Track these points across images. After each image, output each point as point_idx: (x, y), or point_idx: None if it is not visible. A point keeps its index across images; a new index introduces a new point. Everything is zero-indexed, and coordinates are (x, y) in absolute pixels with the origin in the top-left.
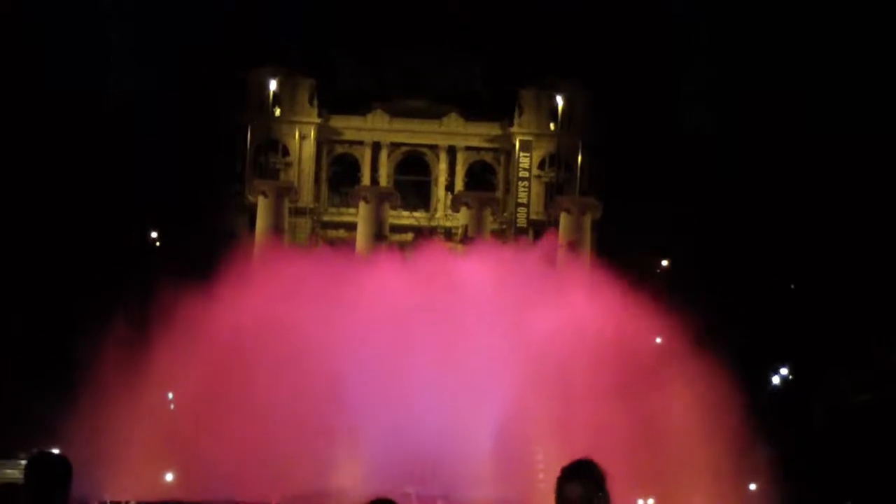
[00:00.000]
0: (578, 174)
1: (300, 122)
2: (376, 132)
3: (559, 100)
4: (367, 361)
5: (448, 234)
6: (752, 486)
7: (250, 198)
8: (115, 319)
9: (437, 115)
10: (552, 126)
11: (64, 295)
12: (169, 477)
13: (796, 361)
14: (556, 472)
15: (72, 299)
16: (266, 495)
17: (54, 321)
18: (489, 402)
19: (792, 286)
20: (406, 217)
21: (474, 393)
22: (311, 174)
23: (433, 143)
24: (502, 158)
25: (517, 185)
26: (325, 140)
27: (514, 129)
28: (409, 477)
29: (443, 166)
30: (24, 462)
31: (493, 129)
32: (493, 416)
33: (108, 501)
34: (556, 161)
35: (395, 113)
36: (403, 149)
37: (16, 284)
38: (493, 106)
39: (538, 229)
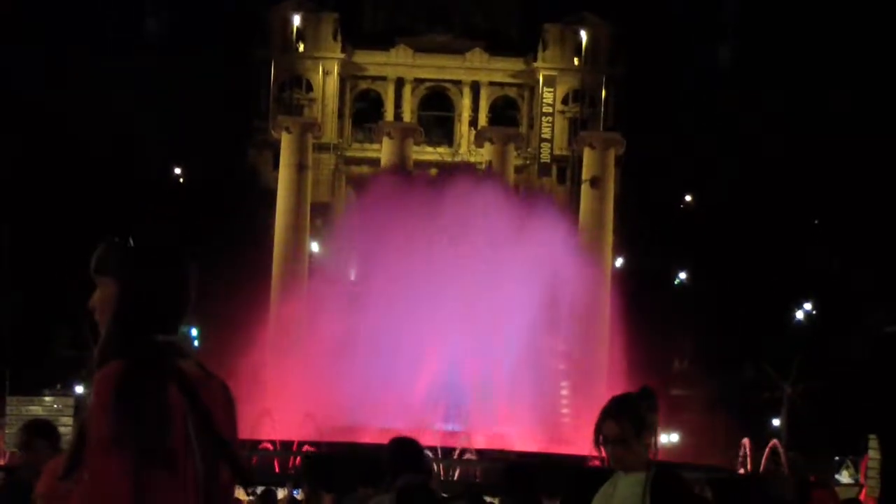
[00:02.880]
0: (602, 109)
1: (324, 58)
2: (400, 67)
3: (583, 35)
4: (399, 296)
5: (471, 169)
6: (776, 422)
7: (274, 134)
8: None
9: (460, 51)
10: (576, 61)
11: (89, 232)
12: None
13: (823, 295)
14: (580, 407)
15: (96, 236)
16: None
17: (82, 257)
18: (512, 338)
19: (816, 221)
20: (430, 152)
21: (497, 330)
22: (335, 110)
23: (457, 78)
24: (526, 94)
25: (541, 121)
26: (349, 76)
27: (538, 63)
28: (437, 413)
29: (466, 101)
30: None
31: (517, 65)
32: (516, 352)
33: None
34: (580, 96)
35: (419, 48)
36: (427, 84)
37: (45, 221)
38: (517, 41)
39: (562, 165)
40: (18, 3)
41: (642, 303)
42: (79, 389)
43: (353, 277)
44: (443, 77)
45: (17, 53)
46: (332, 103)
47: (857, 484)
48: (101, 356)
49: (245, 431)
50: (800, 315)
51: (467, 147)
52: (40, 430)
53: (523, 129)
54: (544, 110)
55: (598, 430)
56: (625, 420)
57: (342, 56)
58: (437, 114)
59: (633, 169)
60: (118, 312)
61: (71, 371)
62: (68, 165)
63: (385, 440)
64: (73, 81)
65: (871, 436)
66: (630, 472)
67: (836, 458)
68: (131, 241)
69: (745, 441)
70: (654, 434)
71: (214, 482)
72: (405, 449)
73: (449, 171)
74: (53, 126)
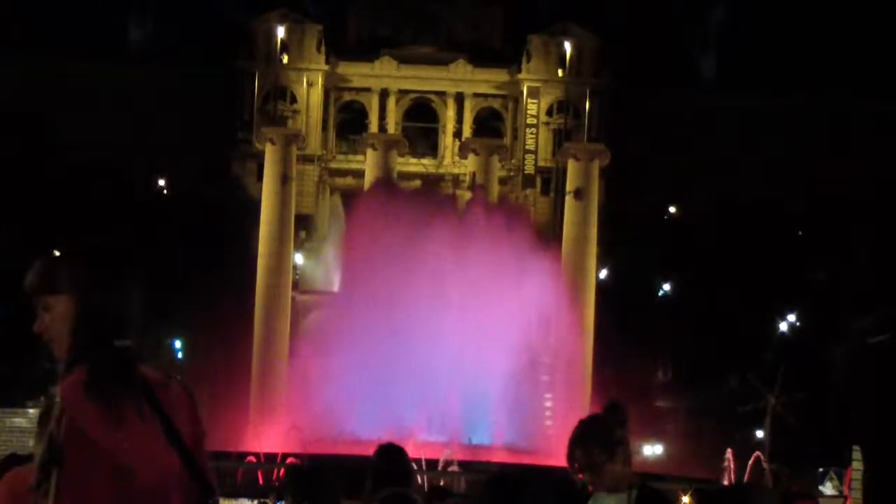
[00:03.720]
0: (587, 121)
1: (308, 69)
2: (384, 79)
3: (567, 46)
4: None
5: (456, 181)
6: (759, 433)
7: (258, 145)
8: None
9: (444, 62)
10: (560, 72)
11: (70, 241)
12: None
13: (807, 306)
14: (565, 418)
15: (78, 245)
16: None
17: None
18: (499, 351)
19: (800, 232)
20: (414, 164)
21: (485, 342)
22: (319, 121)
23: (441, 89)
24: (510, 105)
25: (525, 132)
26: (333, 87)
27: (522, 75)
28: (421, 423)
29: (450, 113)
30: (31, 411)
31: (501, 76)
32: (504, 364)
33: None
34: (565, 107)
35: (403, 59)
36: (411, 95)
37: (26, 229)
38: (502, 52)
39: (546, 176)
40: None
41: (626, 314)
42: None
43: (337, 288)
44: (427, 88)
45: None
46: (316, 115)
47: (840, 496)
48: (66, 367)
49: (267, 444)
50: (784, 326)
51: (452, 158)
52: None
53: (508, 140)
54: (528, 121)
55: (570, 458)
56: (592, 445)
57: (326, 67)
58: (421, 125)
59: (618, 180)
60: (78, 326)
61: (55, 383)
62: (49, 174)
63: (369, 451)
64: (55, 90)
65: (856, 447)
66: (612, 492)
67: (820, 469)
68: (57, 253)
69: (729, 452)
70: (628, 442)
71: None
72: (391, 457)
73: (434, 194)
74: (34, 133)
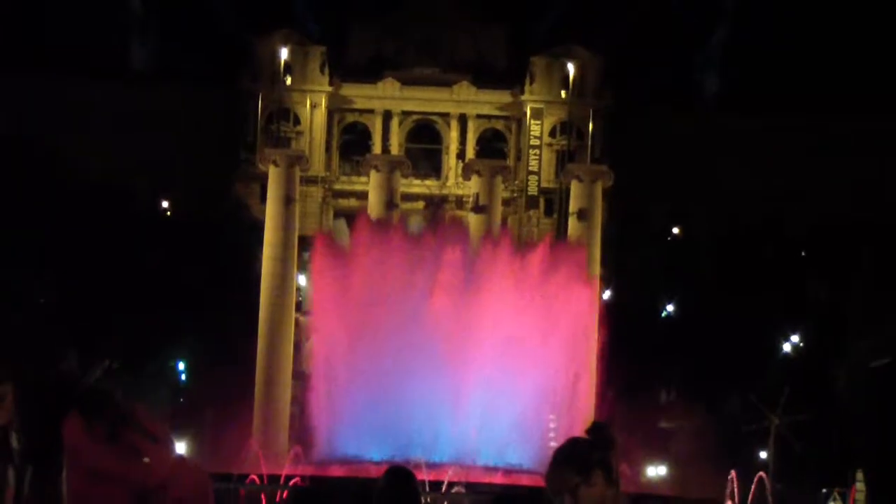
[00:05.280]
0: (590, 142)
1: (311, 91)
2: (387, 100)
3: (570, 67)
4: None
5: (459, 202)
6: (763, 454)
7: (261, 167)
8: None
9: (448, 83)
10: (563, 94)
11: (74, 263)
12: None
13: (811, 328)
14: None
15: (81, 268)
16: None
17: (69, 285)
18: (504, 375)
19: (803, 253)
20: (417, 185)
21: (485, 367)
22: (322, 143)
23: (444, 110)
24: (513, 126)
25: (528, 153)
26: (336, 108)
27: (526, 96)
28: (425, 444)
29: (454, 134)
30: None
31: (504, 97)
32: (509, 388)
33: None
34: (568, 128)
35: (406, 81)
36: (414, 117)
37: (28, 251)
38: (505, 73)
39: (549, 197)
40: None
41: (630, 334)
42: None
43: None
44: (430, 110)
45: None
46: (319, 136)
47: None
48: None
49: (271, 466)
50: (787, 347)
51: (455, 180)
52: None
53: (511, 161)
54: (532, 143)
55: (545, 481)
56: (566, 470)
57: (329, 89)
58: (424, 146)
59: (621, 201)
60: (24, 406)
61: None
62: (52, 196)
63: (373, 473)
64: (57, 110)
65: (859, 468)
66: None
67: (824, 490)
68: None
69: (733, 473)
70: (612, 468)
71: None
72: (399, 481)
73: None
74: (36, 155)
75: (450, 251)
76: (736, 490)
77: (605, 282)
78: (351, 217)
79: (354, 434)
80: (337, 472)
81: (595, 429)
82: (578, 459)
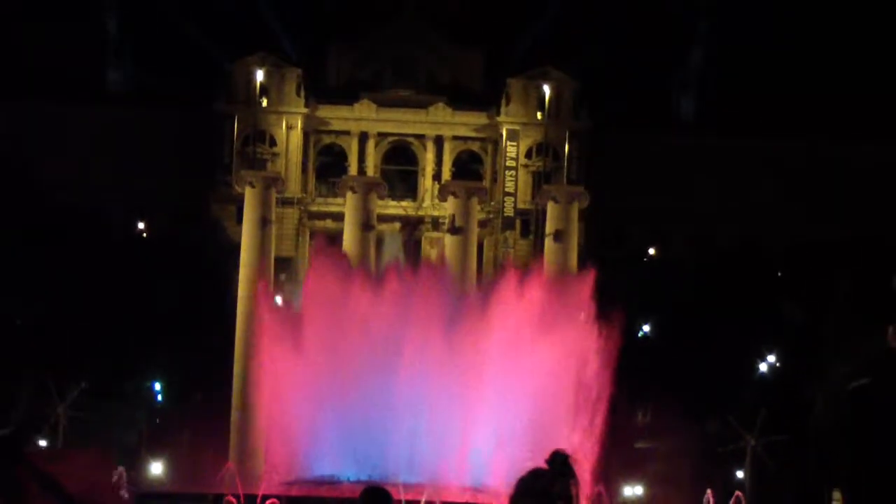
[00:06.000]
0: (566, 163)
1: (287, 113)
2: (363, 122)
3: (546, 89)
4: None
5: (435, 223)
6: (740, 474)
7: (237, 188)
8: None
9: (424, 105)
10: (539, 115)
11: (49, 286)
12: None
13: (787, 349)
14: (540, 461)
15: (56, 290)
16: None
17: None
18: (480, 394)
19: (779, 274)
20: (393, 206)
21: (469, 385)
22: (299, 164)
23: (420, 132)
24: (489, 148)
25: (504, 175)
26: (312, 130)
27: (502, 118)
28: (401, 464)
29: (430, 156)
30: None
31: (481, 119)
32: (478, 407)
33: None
34: (544, 150)
35: (383, 103)
36: (390, 138)
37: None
38: (481, 95)
39: (525, 218)
40: None
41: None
42: None
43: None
44: (406, 131)
45: None
46: (295, 158)
47: None
48: None
49: (247, 485)
50: (764, 368)
51: (431, 201)
52: None
53: (487, 182)
54: (508, 164)
55: None
56: (528, 501)
57: (306, 110)
58: (400, 168)
59: (597, 222)
60: None
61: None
62: (27, 218)
63: (347, 493)
64: (33, 133)
65: (835, 489)
66: None
67: None
68: None
69: (709, 493)
70: (571, 498)
71: None
72: (377, 501)
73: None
74: (12, 176)
75: (427, 293)
76: None
77: None
78: (327, 238)
79: (330, 454)
80: (313, 492)
81: (555, 459)
82: (540, 492)
